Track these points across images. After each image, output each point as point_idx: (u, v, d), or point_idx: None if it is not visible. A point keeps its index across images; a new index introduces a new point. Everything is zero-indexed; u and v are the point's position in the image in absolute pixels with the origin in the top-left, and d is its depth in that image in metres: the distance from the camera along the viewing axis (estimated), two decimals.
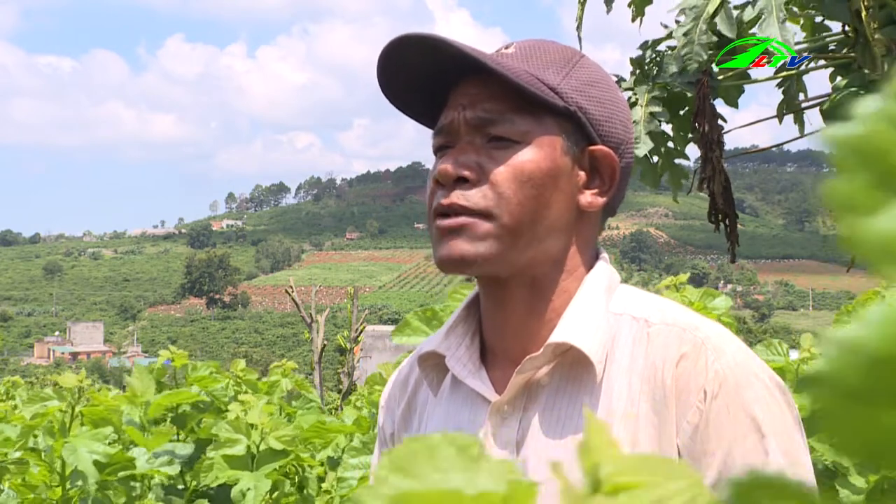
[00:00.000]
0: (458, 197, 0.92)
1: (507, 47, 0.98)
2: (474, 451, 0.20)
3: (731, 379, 0.88)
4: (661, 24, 3.54)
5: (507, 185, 0.92)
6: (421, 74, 0.97)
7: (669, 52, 3.29)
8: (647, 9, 3.82)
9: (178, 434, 2.69)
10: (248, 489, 2.32)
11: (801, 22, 3.61)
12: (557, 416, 0.92)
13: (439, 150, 0.98)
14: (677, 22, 3.36)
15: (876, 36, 2.81)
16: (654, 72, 3.40)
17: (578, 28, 3.81)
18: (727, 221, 3.67)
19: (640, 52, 3.51)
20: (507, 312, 0.98)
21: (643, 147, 3.26)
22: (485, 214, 0.92)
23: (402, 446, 0.21)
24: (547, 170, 0.93)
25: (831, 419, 0.20)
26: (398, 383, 1.12)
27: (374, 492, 0.19)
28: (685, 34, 3.07)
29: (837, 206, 0.19)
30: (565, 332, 0.92)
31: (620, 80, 3.46)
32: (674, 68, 3.20)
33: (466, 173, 0.93)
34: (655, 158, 3.71)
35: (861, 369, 0.19)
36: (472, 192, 0.92)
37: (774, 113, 4.05)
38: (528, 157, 0.93)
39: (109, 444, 2.25)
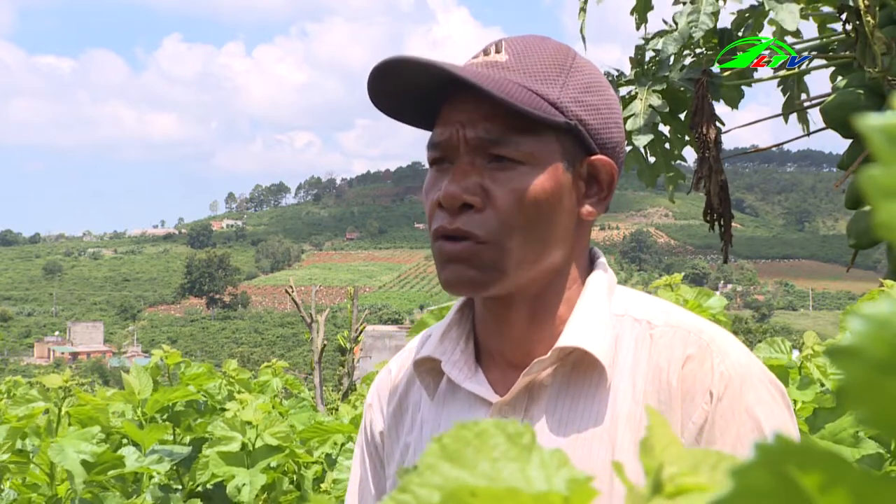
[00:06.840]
0: (464, 223, 0.91)
1: (497, 51, 0.95)
2: (525, 440, 0.19)
3: (735, 381, 0.89)
4: (664, 20, 3.54)
5: (513, 210, 0.91)
6: (413, 90, 0.94)
7: (669, 34, 3.29)
8: (649, 15, 3.83)
9: (174, 431, 2.69)
10: (244, 484, 2.33)
11: (809, 19, 3.61)
12: (559, 417, 0.92)
13: (434, 163, 0.97)
14: (674, 21, 3.37)
15: (875, 34, 2.81)
16: (654, 70, 3.40)
17: (581, 29, 3.80)
18: (721, 221, 3.67)
19: (641, 42, 3.51)
20: (509, 324, 0.97)
21: (643, 139, 3.26)
22: (490, 241, 0.91)
23: (451, 432, 0.20)
24: (551, 190, 0.92)
25: (858, 391, 0.20)
26: (386, 382, 1.11)
27: (423, 480, 0.18)
28: (692, 1, 3.07)
29: (875, 194, 0.19)
30: (574, 336, 0.92)
31: (621, 74, 3.46)
32: (671, 48, 3.19)
33: (471, 199, 0.91)
34: (653, 159, 3.71)
35: (889, 342, 0.19)
36: (477, 218, 0.91)
37: (774, 113, 4.05)
38: (533, 180, 0.91)
39: (97, 443, 2.23)
